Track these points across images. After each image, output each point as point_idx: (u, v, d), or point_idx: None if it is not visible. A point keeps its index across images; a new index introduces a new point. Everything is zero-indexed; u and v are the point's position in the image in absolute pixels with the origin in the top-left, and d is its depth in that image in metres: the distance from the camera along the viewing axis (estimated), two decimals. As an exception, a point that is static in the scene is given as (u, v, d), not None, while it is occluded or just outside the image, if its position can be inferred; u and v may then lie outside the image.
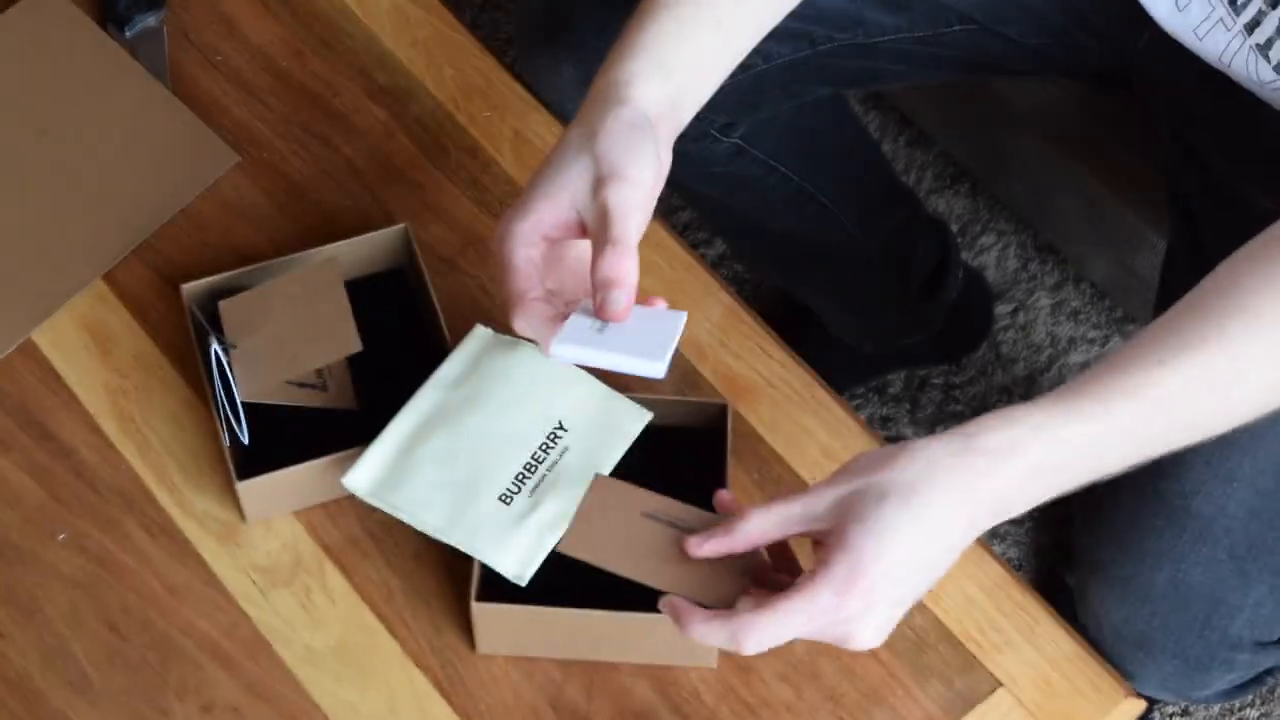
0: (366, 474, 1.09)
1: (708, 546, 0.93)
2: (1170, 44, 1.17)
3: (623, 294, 0.97)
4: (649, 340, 0.99)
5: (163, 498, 1.17)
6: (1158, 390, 0.89)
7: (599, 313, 0.97)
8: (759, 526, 0.92)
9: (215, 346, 1.13)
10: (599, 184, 0.98)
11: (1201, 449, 1.11)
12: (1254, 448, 1.11)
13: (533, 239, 0.99)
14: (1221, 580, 1.13)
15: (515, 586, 1.06)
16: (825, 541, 0.90)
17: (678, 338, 1.00)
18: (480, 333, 1.14)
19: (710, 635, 0.91)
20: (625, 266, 0.97)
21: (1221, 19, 1.11)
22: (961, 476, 0.89)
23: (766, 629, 0.89)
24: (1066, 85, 1.67)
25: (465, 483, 1.08)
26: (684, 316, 1.02)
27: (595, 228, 0.98)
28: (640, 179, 0.98)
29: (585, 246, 1.01)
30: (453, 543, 1.07)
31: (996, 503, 0.90)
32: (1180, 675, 1.21)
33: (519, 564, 1.06)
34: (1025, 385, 1.80)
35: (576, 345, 0.98)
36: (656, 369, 0.97)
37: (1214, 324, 0.90)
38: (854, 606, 0.88)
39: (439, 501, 1.08)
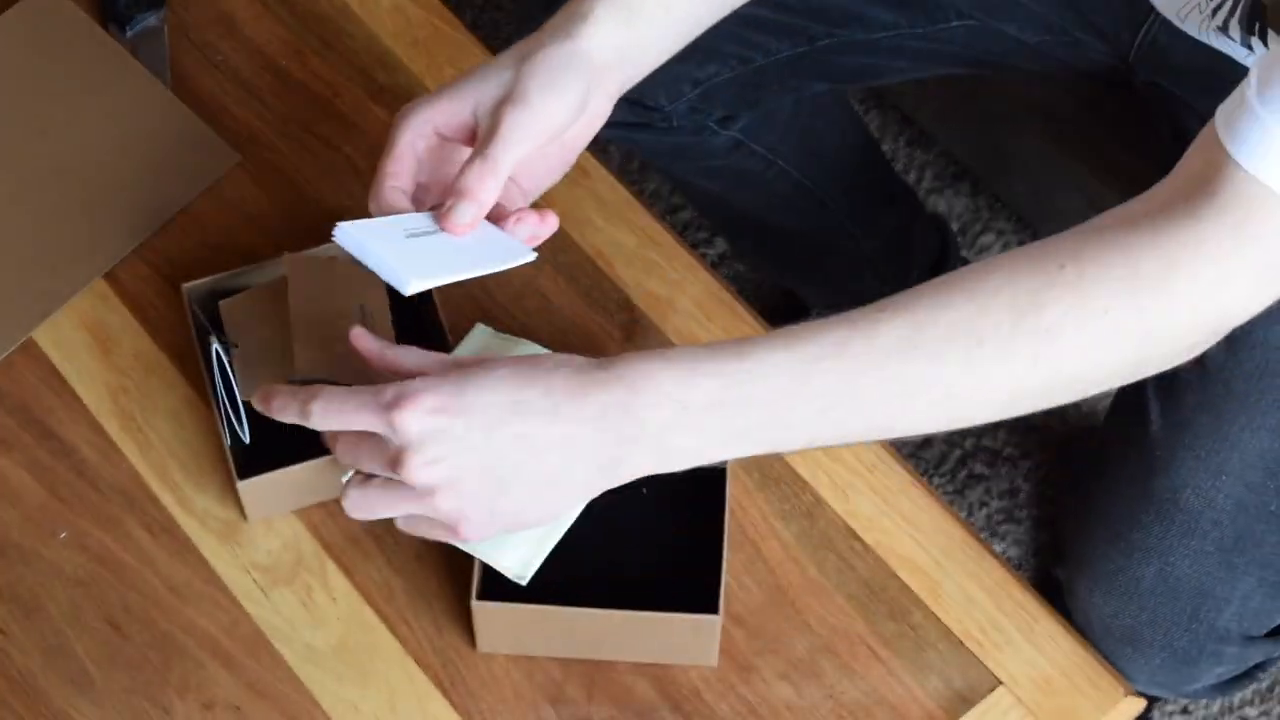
0: None
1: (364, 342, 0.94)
2: (1171, 41, 1.17)
3: (469, 208, 0.95)
4: (462, 258, 0.96)
5: (164, 496, 1.17)
6: (811, 344, 0.86)
7: (441, 219, 0.96)
8: (412, 359, 0.93)
9: (216, 345, 1.13)
10: (504, 100, 0.96)
11: (1189, 442, 1.11)
12: (1243, 441, 1.11)
13: (424, 129, 0.99)
14: (1209, 573, 1.13)
15: (516, 585, 1.07)
16: None
17: (502, 268, 0.98)
18: (480, 332, 1.14)
19: (286, 408, 0.92)
20: (486, 184, 0.95)
21: (1198, 3, 1.11)
22: (580, 377, 0.88)
23: (332, 400, 0.89)
24: (1067, 84, 1.67)
25: None
26: (529, 257, 0.99)
27: (479, 139, 0.96)
28: (546, 110, 0.96)
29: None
30: (453, 542, 1.07)
31: (610, 429, 0.87)
32: (1169, 669, 1.21)
33: (520, 564, 1.06)
34: (1025, 385, 1.80)
35: (367, 236, 0.94)
36: (405, 283, 0.93)
37: (908, 298, 0.87)
38: (407, 423, 0.87)
39: None
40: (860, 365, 0.85)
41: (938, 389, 0.86)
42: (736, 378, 0.86)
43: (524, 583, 1.05)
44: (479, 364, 0.90)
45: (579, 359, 0.90)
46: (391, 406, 0.88)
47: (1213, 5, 1.10)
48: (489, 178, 0.95)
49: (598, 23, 0.98)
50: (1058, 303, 0.85)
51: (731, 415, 0.87)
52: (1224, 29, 1.10)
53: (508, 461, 0.89)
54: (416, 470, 0.88)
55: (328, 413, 0.90)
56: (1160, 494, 1.13)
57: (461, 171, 0.95)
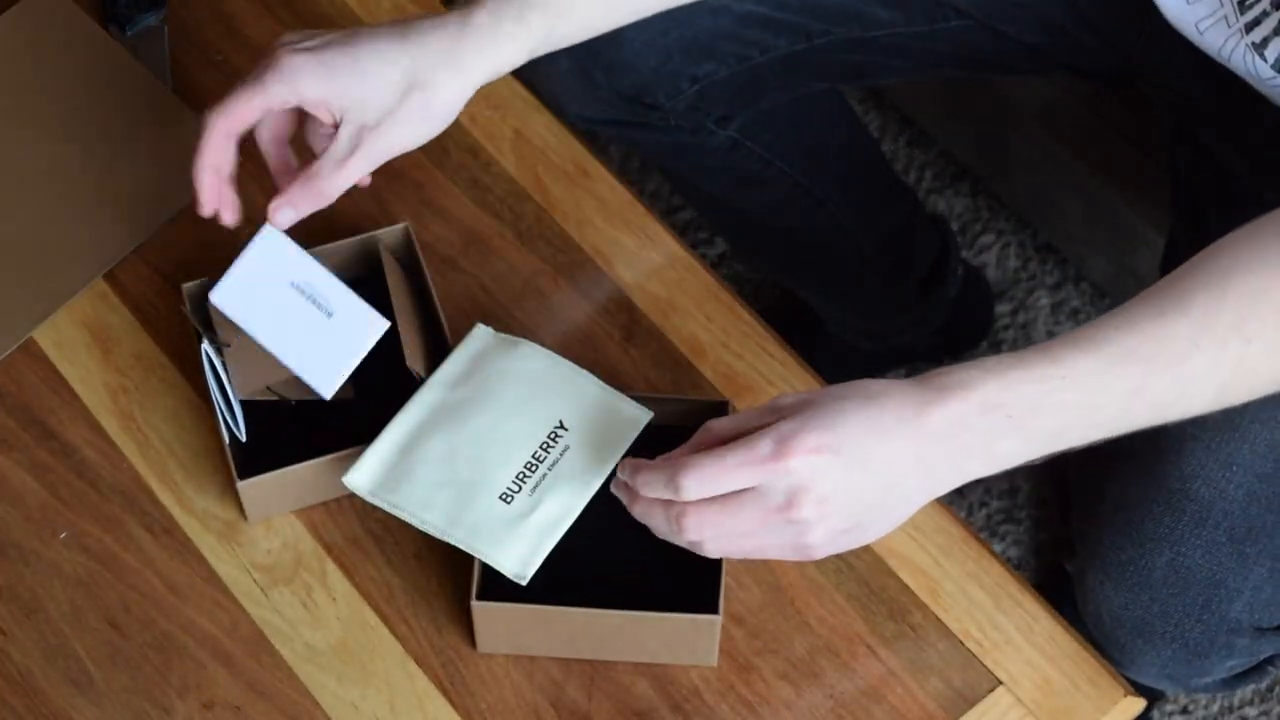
0: (367, 473, 1.10)
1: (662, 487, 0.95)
2: (1172, 39, 1.17)
3: (288, 209, 1.08)
4: (326, 345, 1.11)
5: (164, 496, 1.17)
6: (1110, 347, 0.91)
7: (271, 212, 1.07)
8: (724, 425, 0.95)
9: (205, 346, 1.13)
10: (372, 126, 1.05)
11: (1200, 434, 1.11)
12: (1253, 432, 1.11)
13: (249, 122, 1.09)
14: (1221, 563, 1.13)
15: (516, 585, 1.07)
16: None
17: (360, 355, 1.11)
18: (480, 332, 1.15)
19: (652, 482, 0.94)
20: (322, 198, 1.07)
21: (1225, 16, 1.11)
22: (914, 396, 0.92)
23: (702, 467, 0.92)
24: (1067, 84, 1.67)
25: (466, 482, 1.08)
26: (381, 328, 1.11)
27: (336, 148, 1.06)
28: (418, 134, 1.07)
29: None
30: (454, 542, 1.07)
31: (951, 442, 0.92)
32: (1180, 661, 1.21)
33: (519, 563, 1.06)
34: (1025, 385, 1.80)
35: (243, 309, 1.11)
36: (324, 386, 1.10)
37: (1178, 296, 0.92)
38: (798, 468, 0.91)
39: (440, 501, 1.08)
40: (1154, 367, 0.91)
41: (1213, 384, 0.93)
42: (1051, 384, 0.91)
43: (523, 582, 1.05)
44: (812, 403, 0.93)
45: (892, 381, 0.93)
46: (776, 457, 0.91)
47: (1246, 20, 1.10)
48: (328, 195, 1.07)
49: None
50: None
51: (1048, 417, 0.92)
52: (1260, 46, 1.10)
53: (878, 488, 0.93)
54: (809, 509, 0.92)
55: (703, 483, 0.93)
56: (1170, 484, 1.13)
57: (307, 174, 1.06)
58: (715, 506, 0.94)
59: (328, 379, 1.11)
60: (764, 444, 0.91)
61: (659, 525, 0.96)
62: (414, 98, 1.05)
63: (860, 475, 0.92)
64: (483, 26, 1.05)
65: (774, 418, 0.93)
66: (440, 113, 1.06)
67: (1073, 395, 0.91)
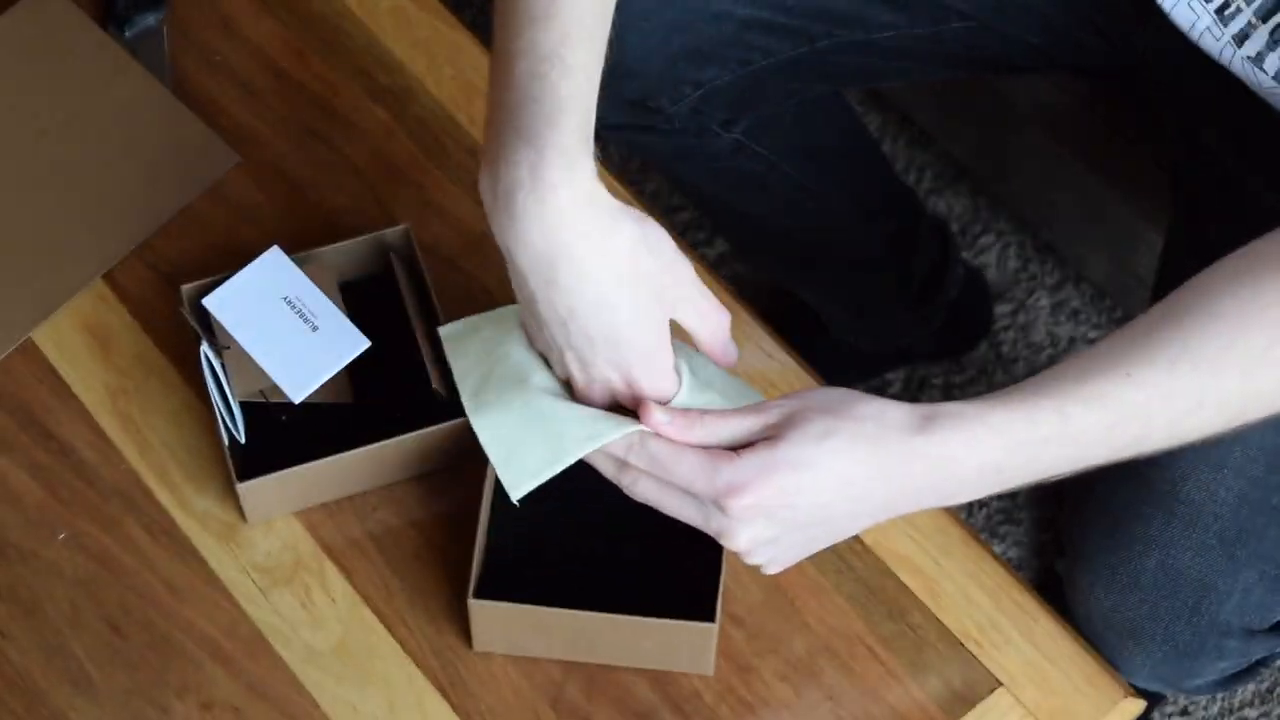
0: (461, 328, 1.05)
1: (667, 427, 0.93)
2: (1174, 40, 1.17)
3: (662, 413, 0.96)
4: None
5: (163, 497, 1.17)
6: (1118, 403, 0.90)
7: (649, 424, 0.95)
8: (716, 434, 0.93)
9: (204, 348, 1.13)
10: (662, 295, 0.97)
11: None
12: (1244, 435, 1.11)
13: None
14: (1211, 565, 1.13)
15: (515, 586, 1.06)
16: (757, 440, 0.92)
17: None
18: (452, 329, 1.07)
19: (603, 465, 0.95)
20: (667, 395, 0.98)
21: (1209, 28, 1.10)
22: (903, 457, 0.90)
23: (658, 451, 0.92)
24: (1067, 84, 1.67)
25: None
26: (360, 347, 1.13)
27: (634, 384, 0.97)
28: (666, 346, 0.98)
29: None
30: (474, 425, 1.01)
31: (936, 490, 0.91)
32: (1170, 663, 1.21)
33: (517, 480, 0.98)
34: (1025, 385, 1.80)
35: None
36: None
37: (1186, 346, 0.90)
38: (743, 501, 0.90)
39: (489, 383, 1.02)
40: (1157, 423, 0.91)
41: (1207, 431, 0.93)
42: (1052, 444, 0.90)
43: (515, 499, 0.99)
44: (800, 432, 0.91)
45: (895, 414, 0.91)
46: (725, 495, 0.90)
47: (1233, 33, 1.10)
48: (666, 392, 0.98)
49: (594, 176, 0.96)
50: None
51: (1040, 469, 0.91)
52: (1257, 60, 1.09)
53: (833, 524, 0.93)
54: (742, 543, 0.92)
55: (652, 473, 0.93)
56: (1160, 486, 1.13)
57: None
58: (658, 484, 0.94)
59: (299, 385, 1.13)
60: (722, 475, 0.91)
61: (607, 469, 0.96)
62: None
63: (814, 522, 0.92)
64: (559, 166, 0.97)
65: (759, 436, 0.92)
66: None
67: (1073, 450, 0.91)
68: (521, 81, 0.95)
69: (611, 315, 0.95)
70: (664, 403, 0.96)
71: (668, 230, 1.26)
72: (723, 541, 0.93)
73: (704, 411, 0.94)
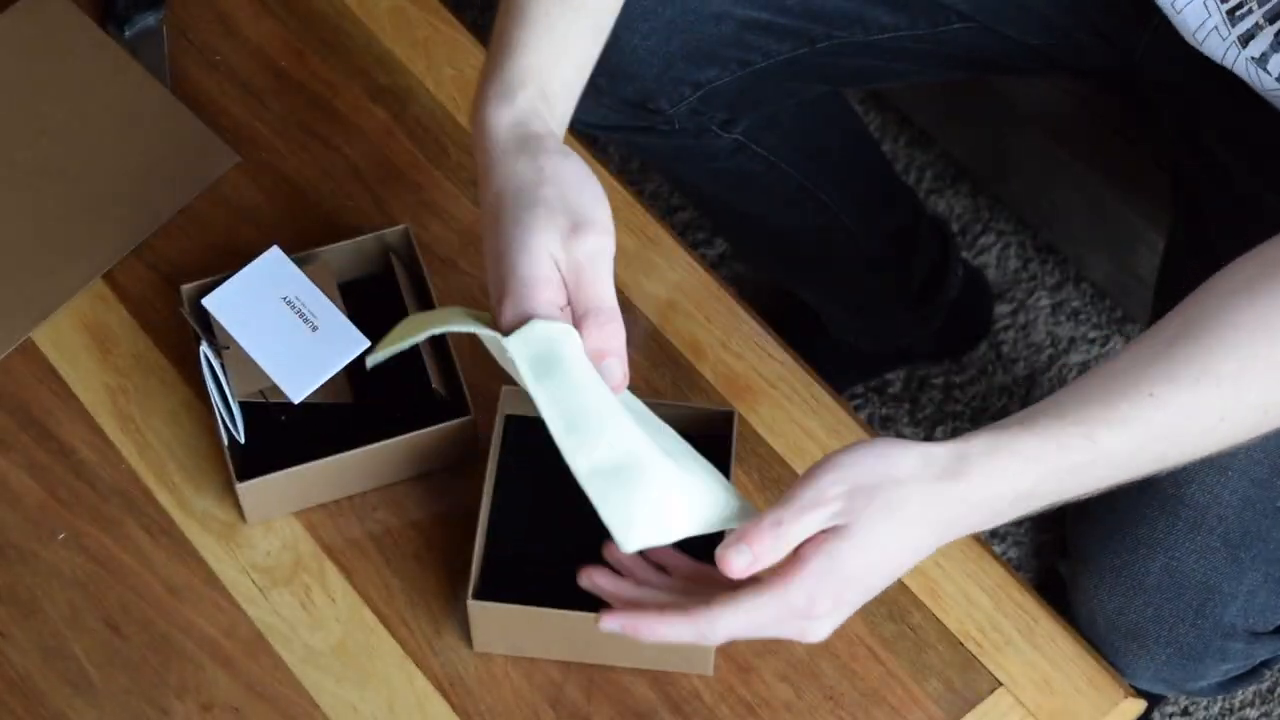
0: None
1: (749, 568, 0.92)
2: (1174, 40, 1.17)
3: (616, 362, 0.94)
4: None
5: (163, 497, 1.17)
6: (1144, 425, 0.91)
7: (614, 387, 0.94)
8: (790, 546, 0.92)
9: (204, 348, 1.13)
10: (571, 235, 0.94)
11: None
12: None
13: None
14: (1215, 568, 1.13)
15: (514, 586, 1.06)
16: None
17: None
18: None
19: (675, 632, 0.92)
20: (612, 331, 0.94)
21: (1216, 27, 1.10)
22: (948, 506, 0.91)
23: (734, 621, 0.91)
24: (1067, 85, 1.67)
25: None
26: (360, 347, 1.13)
27: (573, 287, 0.94)
28: (606, 223, 0.95)
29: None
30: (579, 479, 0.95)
31: (975, 525, 0.93)
32: (1174, 665, 1.21)
33: (629, 534, 0.94)
34: (1025, 385, 1.80)
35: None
36: None
37: (1208, 363, 0.91)
38: (823, 606, 0.91)
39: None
40: (1179, 442, 0.92)
41: (1226, 444, 0.94)
42: (1082, 470, 0.91)
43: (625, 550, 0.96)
44: (859, 523, 0.90)
45: (933, 467, 0.91)
46: (807, 614, 0.91)
47: (1239, 33, 1.10)
48: (612, 324, 0.94)
49: (553, 104, 0.99)
50: None
51: (1066, 491, 0.93)
52: (1260, 61, 1.09)
53: (890, 577, 0.93)
54: (825, 636, 0.93)
55: (733, 633, 0.92)
56: (1165, 489, 1.13)
57: (585, 335, 0.93)
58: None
59: (299, 385, 1.13)
60: (797, 595, 0.90)
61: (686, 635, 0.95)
62: (552, 190, 0.97)
63: (880, 581, 0.93)
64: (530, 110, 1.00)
65: (828, 523, 0.91)
66: (569, 161, 0.99)
67: (1103, 472, 0.92)
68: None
69: (501, 228, 0.95)
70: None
71: (667, 231, 1.25)
72: (804, 641, 0.93)
73: (774, 521, 0.91)
